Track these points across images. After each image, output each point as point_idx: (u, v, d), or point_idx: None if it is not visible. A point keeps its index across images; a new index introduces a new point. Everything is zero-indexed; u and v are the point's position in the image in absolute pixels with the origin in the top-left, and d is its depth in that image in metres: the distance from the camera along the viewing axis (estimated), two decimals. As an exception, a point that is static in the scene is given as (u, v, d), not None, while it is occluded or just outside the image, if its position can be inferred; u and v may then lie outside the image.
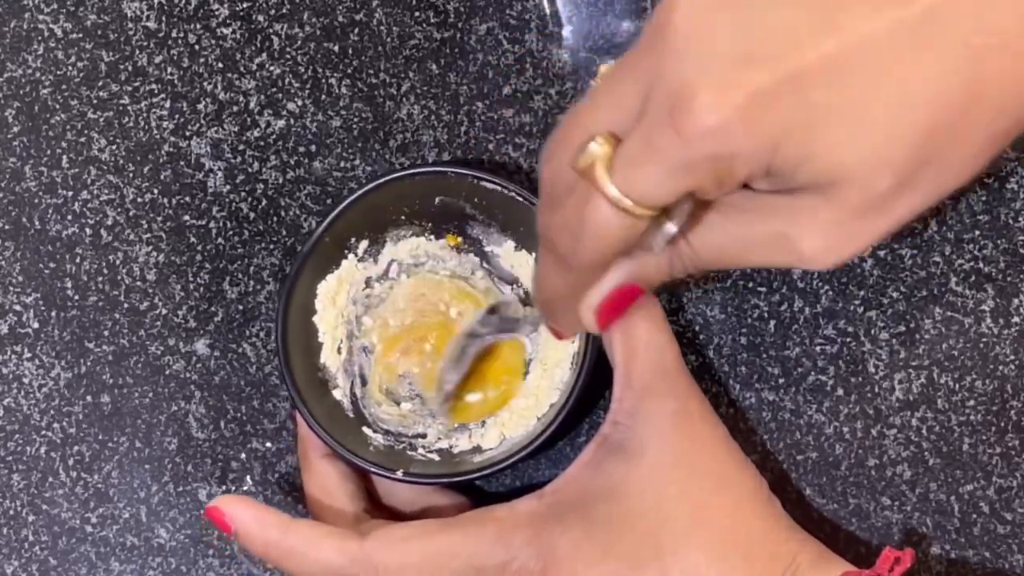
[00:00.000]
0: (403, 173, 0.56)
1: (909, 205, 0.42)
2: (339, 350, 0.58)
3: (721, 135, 0.39)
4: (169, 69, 0.62)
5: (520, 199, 0.55)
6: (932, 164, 0.40)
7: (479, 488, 0.59)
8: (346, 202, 0.56)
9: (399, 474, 0.54)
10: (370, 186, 0.56)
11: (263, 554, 0.52)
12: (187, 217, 0.61)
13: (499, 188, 0.56)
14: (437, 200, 0.57)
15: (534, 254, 0.57)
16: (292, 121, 0.62)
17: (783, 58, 0.39)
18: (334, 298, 0.58)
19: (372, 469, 0.54)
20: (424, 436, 0.58)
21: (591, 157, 0.41)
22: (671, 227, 0.42)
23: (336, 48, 0.62)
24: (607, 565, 0.50)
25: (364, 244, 0.58)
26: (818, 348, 0.58)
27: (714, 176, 0.40)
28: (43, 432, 0.60)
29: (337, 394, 0.58)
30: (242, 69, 0.62)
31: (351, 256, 0.58)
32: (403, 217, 0.58)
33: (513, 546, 0.50)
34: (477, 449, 0.57)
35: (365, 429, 0.57)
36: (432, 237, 0.59)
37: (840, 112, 0.39)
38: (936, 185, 0.41)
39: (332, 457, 0.56)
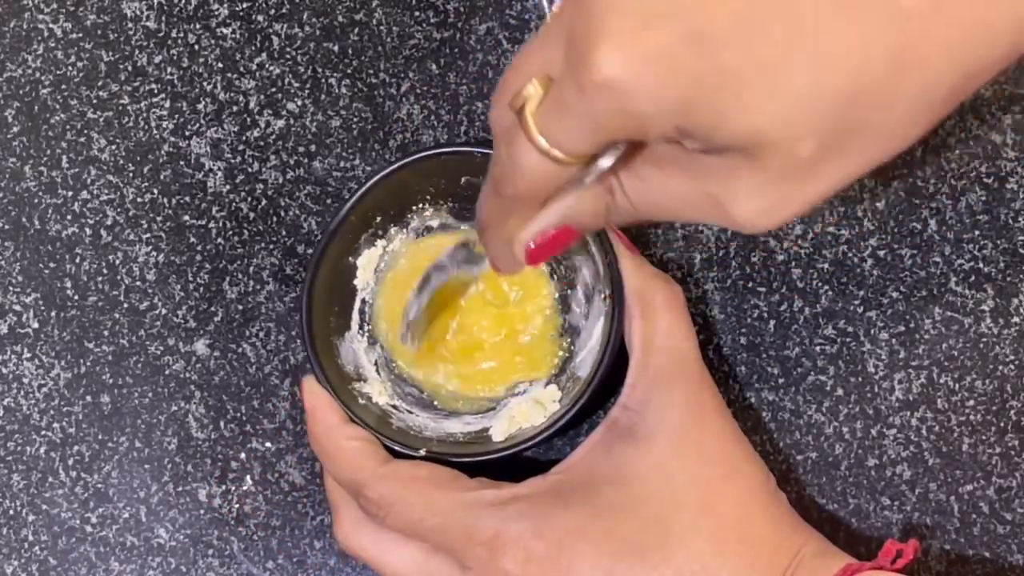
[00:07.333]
0: (430, 152, 0.56)
1: (840, 171, 0.40)
2: (360, 332, 0.59)
3: (618, 91, 0.38)
4: (169, 69, 0.62)
5: None
6: (859, 131, 0.39)
7: (486, 473, 0.59)
8: (374, 179, 0.56)
9: (422, 452, 0.54)
10: (398, 164, 0.56)
11: (311, 442, 0.55)
12: (187, 217, 0.61)
13: None
14: (463, 180, 0.57)
15: None
16: (292, 121, 0.62)
17: (688, 15, 0.37)
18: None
19: (395, 446, 0.55)
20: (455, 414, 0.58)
21: (522, 99, 0.41)
22: (600, 165, 0.42)
23: (336, 48, 0.62)
24: (610, 546, 0.50)
25: (389, 222, 0.58)
26: (818, 348, 0.58)
27: (626, 132, 0.40)
28: (43, 432, 0.60)
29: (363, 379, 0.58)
30: (242, 69, 0.62)
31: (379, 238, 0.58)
32: (428, 196, 0.58)
33: (505, 515, 0.50)
34: (488, 431, 0.57)
35: (387, 406, 0.58)
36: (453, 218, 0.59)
37: (753, 75, 0.38)
38: (869, 152, 0.40)
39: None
